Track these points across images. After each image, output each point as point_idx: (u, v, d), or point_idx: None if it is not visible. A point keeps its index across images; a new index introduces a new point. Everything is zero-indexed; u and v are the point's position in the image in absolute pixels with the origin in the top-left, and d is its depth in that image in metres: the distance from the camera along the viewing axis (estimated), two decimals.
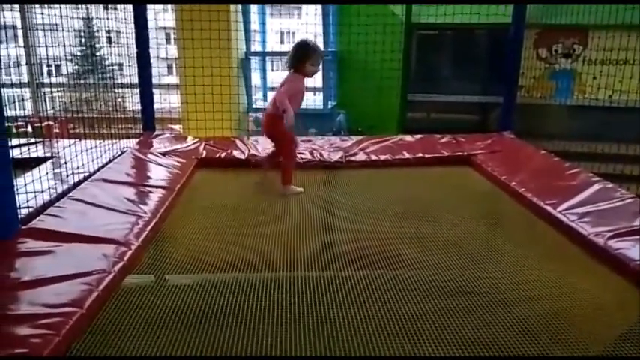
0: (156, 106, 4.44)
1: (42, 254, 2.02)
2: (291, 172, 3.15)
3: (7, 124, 2.25)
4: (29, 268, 1.91)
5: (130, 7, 4.05)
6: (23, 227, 2.20)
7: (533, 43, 5.00)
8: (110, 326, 1.70)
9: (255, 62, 5.69)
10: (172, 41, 6.83)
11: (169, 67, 8.34)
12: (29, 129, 4.95)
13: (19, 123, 4.94)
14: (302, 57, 3.03)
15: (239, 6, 5.22)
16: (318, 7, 5.29)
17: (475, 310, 1.83)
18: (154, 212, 2.59)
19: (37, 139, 4.12)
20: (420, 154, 3.86)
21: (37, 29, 4.87)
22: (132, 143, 3.96)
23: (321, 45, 5.67)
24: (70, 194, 2.64)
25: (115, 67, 4.94)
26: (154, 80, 4.38)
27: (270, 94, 6.06)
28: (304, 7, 5.75)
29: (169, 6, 5.67)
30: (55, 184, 2.98)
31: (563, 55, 5.00)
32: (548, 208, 2.68)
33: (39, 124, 4.76)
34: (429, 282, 2.04)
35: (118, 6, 4.28)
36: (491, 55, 5.21)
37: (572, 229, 2.44)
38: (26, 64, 5.06)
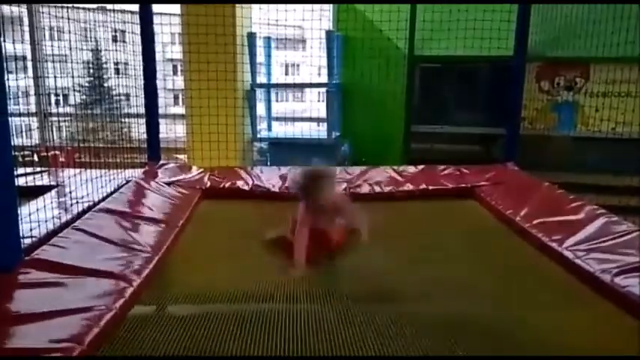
0: (161, 135, 4.48)
1: (44, 286, 2.00)
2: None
3: (13, 153, 2.26)
4: (30, 300, 1.89)
5: (138, 40, 4.14)
6: (26, 257, 2.18)
7: (535, 76, 5.06)
8: None
9: (260, 93, 5.76)
10: (179, 72, 6.94)
11: (176, 97, 8.45)
12: (35, 158, 4.99)
13: (26, 152, 4.98)
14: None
15: (245, 38, 5.32)
16: (323, 40, 5.38)
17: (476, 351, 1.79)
18: (158, 247, 2.57)
19: (43, 168, 4.15)
20: (424, 186, 3.86)
21: (47, 60, 4.97)
22: (137, 172, 3.98)
23: (324, 77, 5.75)
24: (74, 224, 2.62)
25: (122, 98, 5.01)
26: (161, 110, 4.43)
27: (275, 124, 6.13)
28: (309, 40, 5.85)
29: (177, 38, 5.79)
30: (59, 213, 2.98)
31: (565, 88, 5.05)
32: (554, 245, 2.65)
33: (45, 154, 4.81)
34: (428, 318, 2.00)
35: (127, 39, 4.38)
36: (494, 87, 5.26)
37: (579, 266, 2.40)
38: (35, 94, 5.14)
